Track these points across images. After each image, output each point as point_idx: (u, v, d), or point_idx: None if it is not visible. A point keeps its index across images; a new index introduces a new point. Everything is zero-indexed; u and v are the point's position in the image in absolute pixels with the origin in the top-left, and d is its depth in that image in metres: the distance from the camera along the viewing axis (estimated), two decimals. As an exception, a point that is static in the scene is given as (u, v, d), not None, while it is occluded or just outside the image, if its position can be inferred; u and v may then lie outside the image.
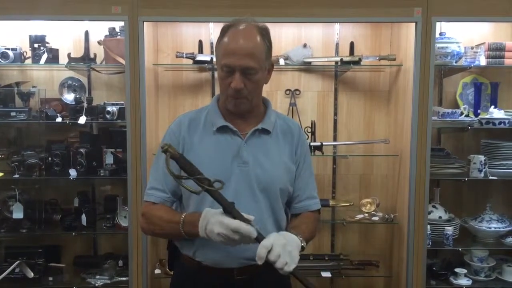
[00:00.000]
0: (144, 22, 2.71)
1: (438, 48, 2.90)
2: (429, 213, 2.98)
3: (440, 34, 3.02)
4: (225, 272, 1.63)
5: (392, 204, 3.20)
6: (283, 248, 1.43)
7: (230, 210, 1.43)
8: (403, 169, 2.97)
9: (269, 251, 1.41)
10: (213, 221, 1.44)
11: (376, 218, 3.09)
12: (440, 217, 3.01)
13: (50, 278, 3.00)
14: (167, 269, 1.86)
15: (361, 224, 3.21)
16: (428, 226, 2.90)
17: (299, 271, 1.45)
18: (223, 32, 1.60)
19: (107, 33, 2.96)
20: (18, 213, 2.92)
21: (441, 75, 3.18)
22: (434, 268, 3.04)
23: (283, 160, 1.69)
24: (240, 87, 1.55)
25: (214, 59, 2.44)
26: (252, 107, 1.66)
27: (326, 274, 3.01)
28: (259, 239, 1.43)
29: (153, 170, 1.72)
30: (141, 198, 2.75)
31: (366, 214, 3.12)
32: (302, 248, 1.54)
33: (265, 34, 1.61)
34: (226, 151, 1.64)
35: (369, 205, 3.13)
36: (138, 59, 2.71)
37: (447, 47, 2.93)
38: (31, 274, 2.92)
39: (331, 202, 3.14)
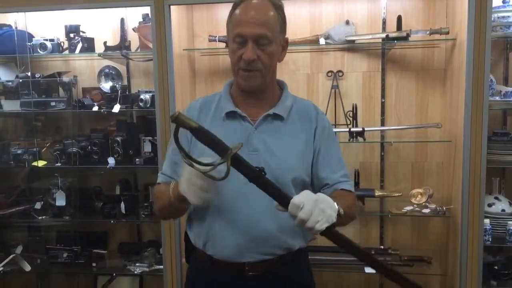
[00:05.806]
0: (172, 6, 2.63)
1: (499, 17, 2.54)
2: (490, 205, 2.67)
3: (504, 1, 2.64)
4: (236, 267, 1.56)
5: (448, 195, 2.87)
6: (315, 204, 1.28)
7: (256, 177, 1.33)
8: (458, 156, 2.64)
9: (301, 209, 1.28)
10: (184, 173, 1.35)
11: (427, 211, 2.78)
12: (503, 210, 2.68)
13: (94, 264, 3.08)
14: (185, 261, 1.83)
15: (413, 217, 2.93)
16: (488, 220, 2.58)
17: (335, 231, 1.32)
18: (235, 6, 1.53)
19: (141, 20, 2.93)
20: (61, 201, 3.01)
21: (507, 48, 2.78)
22: (496, 267, 2.70)
23: (297, 148, 1.57)
24: (253, 57, 1.47)
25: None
26: (266, 85, 1.57)
27: (369, 270, 2.77)
28: (282, 198, 1.33)
29: (167, 152, 1.68)
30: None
31: (416, 206, 2.82)
32: (339, 213, 1.34)
33: (279, 8, 1.53)
34: (235, 138, 1.52)
35: (419, 196, 2.83)
36: (165, 44, 2.63)
37: (509, 17, 2.54)
38: (28, 267, 3.00)
39: (378, 192, 2.84)
